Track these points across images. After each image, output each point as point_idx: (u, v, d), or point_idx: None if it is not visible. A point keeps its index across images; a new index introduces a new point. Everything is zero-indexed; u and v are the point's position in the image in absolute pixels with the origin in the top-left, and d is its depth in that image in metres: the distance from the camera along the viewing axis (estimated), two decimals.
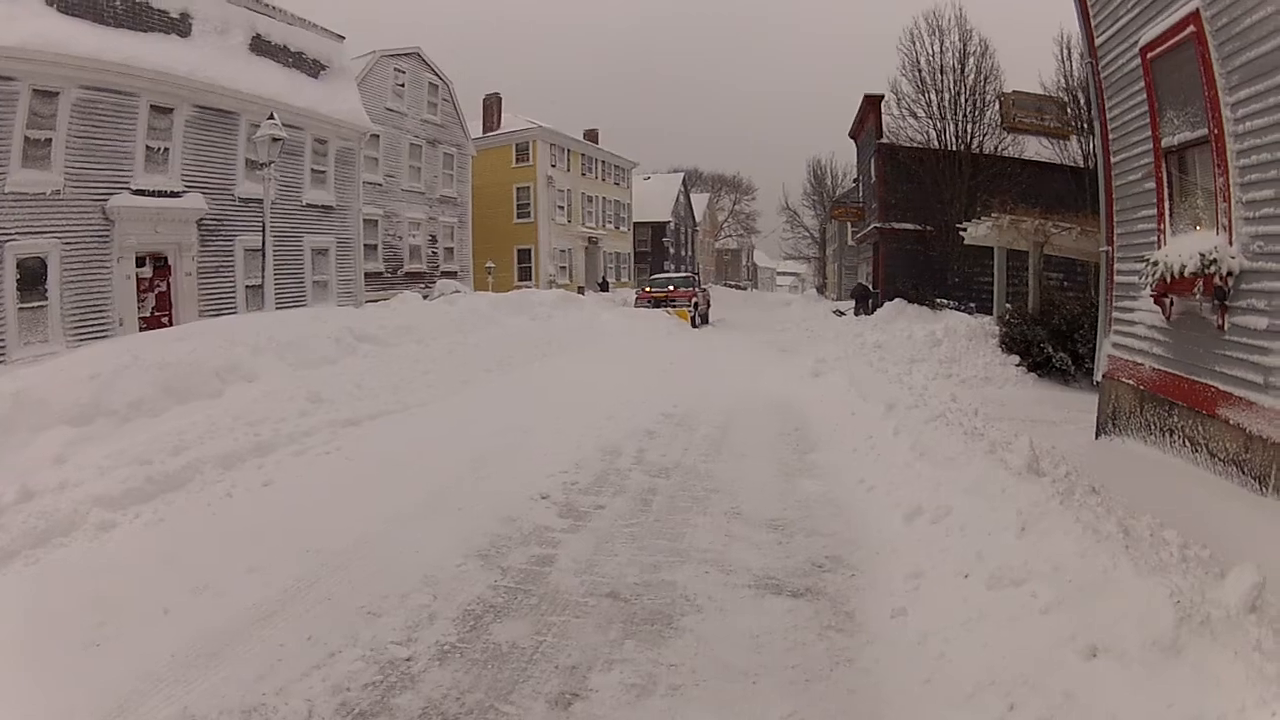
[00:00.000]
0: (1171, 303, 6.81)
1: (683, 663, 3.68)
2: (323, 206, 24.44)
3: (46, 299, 16.50)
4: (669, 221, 64.35)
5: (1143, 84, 7.46)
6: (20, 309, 15.95)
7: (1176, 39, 6.53)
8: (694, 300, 29.24)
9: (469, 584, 4.70)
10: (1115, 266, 8.78)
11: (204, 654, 3.91)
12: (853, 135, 35.02)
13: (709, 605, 4.29)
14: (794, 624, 4.03)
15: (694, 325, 27.63)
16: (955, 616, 3.68)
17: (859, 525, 5.54)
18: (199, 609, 4.38)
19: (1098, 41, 8.68)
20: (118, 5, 18.38)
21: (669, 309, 27.90)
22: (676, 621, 4.11)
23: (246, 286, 20.98)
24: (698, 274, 29.89)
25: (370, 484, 6.94)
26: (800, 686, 3.47)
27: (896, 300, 23.65)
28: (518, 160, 43.21)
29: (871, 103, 29.54)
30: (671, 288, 30.59)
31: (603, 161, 51.57)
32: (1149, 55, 7.13)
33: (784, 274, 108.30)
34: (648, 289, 31.76)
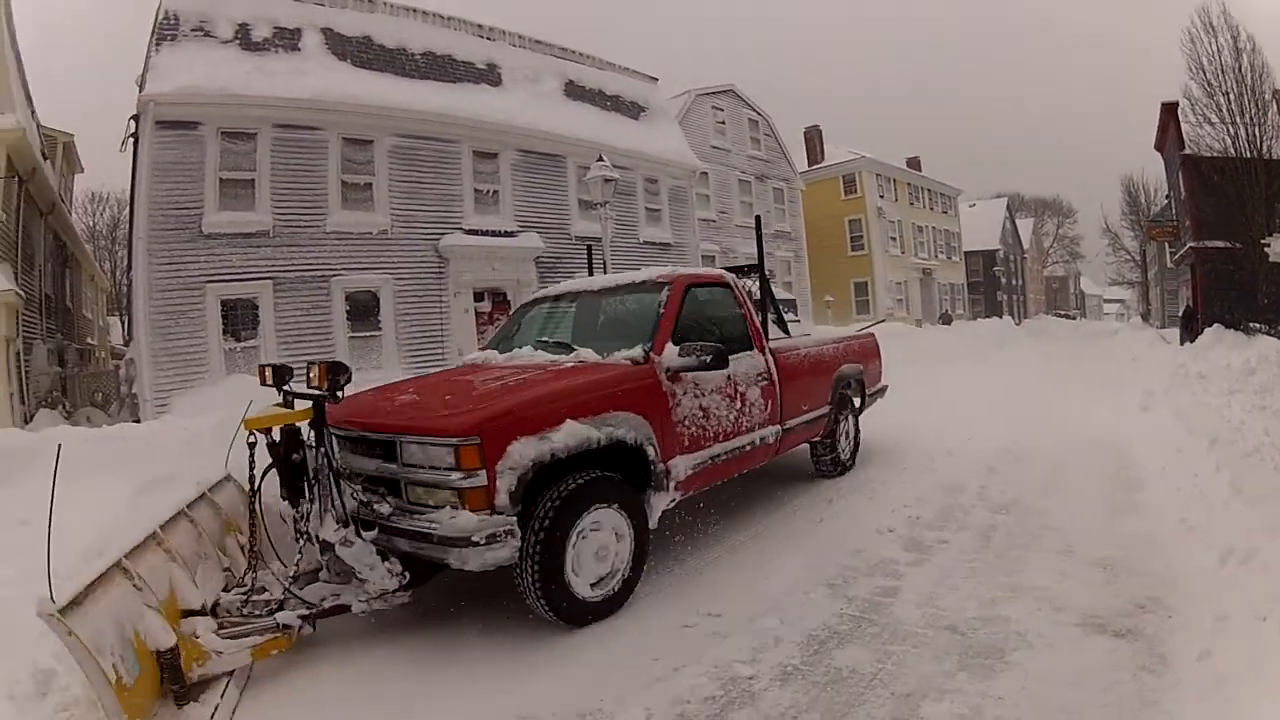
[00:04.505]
0: None
1: (1009, 696, 3.79)
2: (660, 244, 25.21)
3: (379, 329, 18.25)
4: (998, 250, 61.39)
5: None
6: (351, 337, 17.72)
7: None
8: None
9: (815, 611, 4.99)
10: None
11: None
12: (1157, 147, 31.72)
13: (1039, 642, 4.37)
14: (1113, 664, 4.07)
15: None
16: (1248, 659, 3.63)
17: (1178, 565, 5.39)
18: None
19: None
20: (419, 59, 20.00)
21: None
22: (1008, 656, 4.21)
23: None
24: (751, 291, 8.15)
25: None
26: None
27: (1215, 326, 21.15)
28: (846, 193, 43.27)
29: (1169, 111, 26.73)
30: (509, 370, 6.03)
31: (928, 190, 50.26)
32: None
33: (1110, 300, 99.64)
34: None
